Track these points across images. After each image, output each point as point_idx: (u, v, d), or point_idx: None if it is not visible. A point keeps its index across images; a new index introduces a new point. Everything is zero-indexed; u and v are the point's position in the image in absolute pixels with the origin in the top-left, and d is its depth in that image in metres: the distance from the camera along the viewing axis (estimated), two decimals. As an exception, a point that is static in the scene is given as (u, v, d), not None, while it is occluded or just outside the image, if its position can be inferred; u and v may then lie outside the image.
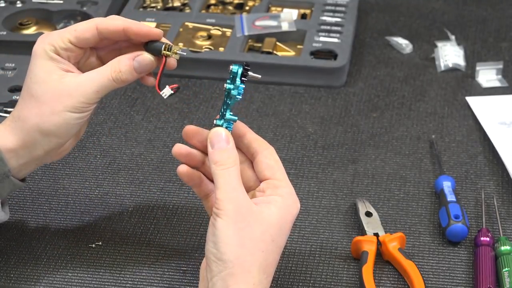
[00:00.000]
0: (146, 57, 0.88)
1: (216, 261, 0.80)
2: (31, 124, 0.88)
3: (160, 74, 0.88)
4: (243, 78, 0.86)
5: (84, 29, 0.88)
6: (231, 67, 0.85)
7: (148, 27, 0.88)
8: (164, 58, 0.88)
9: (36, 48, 0.89)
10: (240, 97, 0.86)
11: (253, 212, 0.82)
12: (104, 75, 0.87)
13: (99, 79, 0.87)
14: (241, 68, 0.86)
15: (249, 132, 0.88)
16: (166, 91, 0.88)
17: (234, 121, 0.86)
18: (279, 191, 0.84)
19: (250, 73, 0.86)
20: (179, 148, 0.89)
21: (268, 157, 0.86)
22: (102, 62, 0.91)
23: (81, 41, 0.88)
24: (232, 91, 0.86)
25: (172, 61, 0.88)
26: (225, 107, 0.86)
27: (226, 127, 0.86)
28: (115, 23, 0.88)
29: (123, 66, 0.87)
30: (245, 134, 0.88)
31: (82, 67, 0.91)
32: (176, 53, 0.88)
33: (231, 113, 0.86)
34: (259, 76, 0.87)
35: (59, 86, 0.87)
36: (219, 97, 1.22)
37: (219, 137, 0.84)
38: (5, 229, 0.99)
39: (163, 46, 0.88)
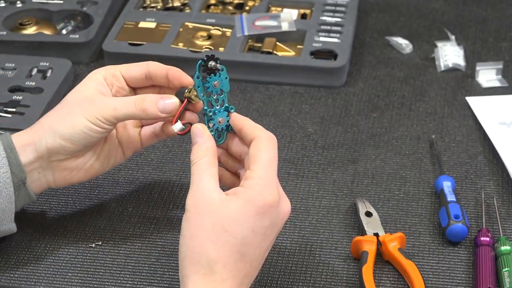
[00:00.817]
0: (171, 97, 0.91)
1: (178, 254, 0.83)
2: (46, 119, 0.93)
3: (179, 112, 0.91)
4: (209, 69, 0.89)
5: (136, 64, 0.95)
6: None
7: (184, 74, 0.93)
8: (186, 99, 0.91)
9: (92, 72, 0.95)
10: (210, 90, 0.89)
11: (209, 204, 0.82)
12: (129, 99, 0.92)
13: (123, 100, 0.92)
14: (200, 61, 0.89)
15: (246, 124, 0.89)
16: (177, 125, 0.91)
17: (205, 113, 0.89)
18: (246, 182, 0.84)
19: (209, 63, 0.89)
20: None
21: (253, 145, 0.87)
22: None
23: (130, 73, 0.95)
24: (194, 86, 0.90)
25: (199, 105, 0.92)
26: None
27: (209, 120, 0.89)
28: (163, 66, 0.94)
29: (149, 96, 0.91)
30: (242, 127, 0.89)
31: None
32: (196, 96, 0.91)
33: (206, 108, 0.90)
34: (221, 66, 0.89)
35: (89, 97, 0.92)
36: (219, 97, 1.22)
37: (194, 134, 0.88)
38: (5, 229, 0.99)
39: (187, 89, 0.91)
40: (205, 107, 0.90)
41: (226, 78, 0.90)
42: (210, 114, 0.89)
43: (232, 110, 0.90)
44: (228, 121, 0.90)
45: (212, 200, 0.83)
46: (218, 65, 0.89)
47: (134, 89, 0.96)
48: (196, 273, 0.81)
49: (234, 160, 0.92)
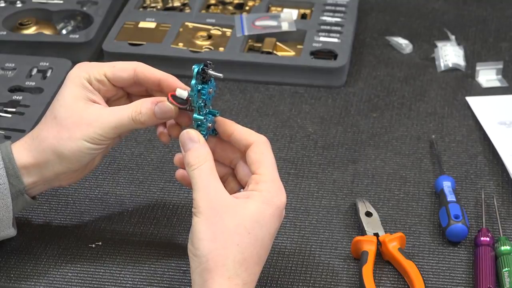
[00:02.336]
0: (167, 104, 0.89)
1: (193, 257, 0.82)
2: (47, 144, 0.90)
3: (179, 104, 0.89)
4: (208, 77, 0.87)
5: (122, 68, 0.92)
6: (193, 67, 0.87)
7: (179, 82, 0.91)
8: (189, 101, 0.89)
9: (71, 73, 0.92)
10: (205, 97, 0.87)
11: (227, 206, 0.82)
12: (125, 113, 0.89)
13: (119, 116, 0.89)
14: (197, 68, 0.87)
15: (236, 129, 0.88)
16: (184, 92, 0.88)
17: (200, 120, 0.88)
18: (258, 186, 0.84)
19: (210, 71, 0.87)
20: (178, 158, 0.91)
21: (254, 150, 0.87)
22: None
23: (116, 78, 0.91)
24: (190, 92, 0.87)
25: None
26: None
27: (199, 126, 0.88)
28: (154, 72, 0.91)
29: (144, 108, 0.89)
30: (232, 132, 0.88)
31: (111, 105, 0.93)
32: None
33: (201, 115, 0.88)
34: (221, 75, 0.87)
35: (82, 114, 0.89)
36: (219, 97, 1.22)
37: (188, 139, 0.86)
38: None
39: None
40: (199, 114, 0.88)
41: (214, 84, 0.89)
42: (204, 119, 0.88)
43: (218, 114, 0.89)
44: (214, 125, 0.90)
45: (229, 202, 0.83)
46: (219, 75, 0.87)
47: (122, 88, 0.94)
48: (222, 276, 0.81)
49: (220, 165, 0.90)
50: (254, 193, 0.84)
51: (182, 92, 0.89)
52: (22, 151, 0.91)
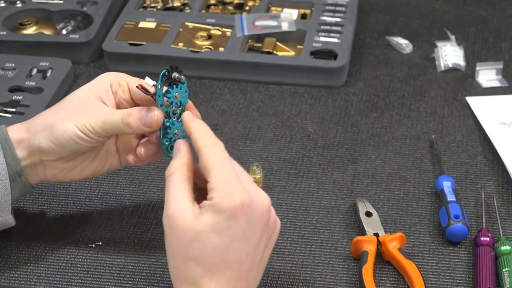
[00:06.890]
0: (153, 110, 0.89)
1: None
2: (42, 118, 0.93)
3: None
4: (172, 80, 0.88)
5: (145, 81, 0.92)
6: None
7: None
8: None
9: (103, 74, 0.94)
10: (171, 100, 0.88)
11: (183, 222, 0.81)
12: (117, 111, 0.91)
13: (111, 112, 0.91)
14: (164, 71, 0.88)
15: (193, 134, 0.86)
16: (149, 80, 0.89)
17: (162, 123, 0.89)
18: (209, 194, 0.82)
19: (173, 74, 0.88)
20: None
21: (202, 157, 0.84)
22: None
23: (137, 89, 0.92)
24: (156, 88, 0.88)
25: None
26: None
27: (164, 130, 0.89)
28: None
29: (134, 110, 0.90)
30: (190, 133, 0.86)
31: None
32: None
33: (164, 118, 0.89)
34: (182, 77, 0.88)
35: (85, 103, 0.91)
36: (219, 97, 1.23)
37: (174, 149, 0.87)
38: (5, 229, 0.99)
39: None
40: (167, 119, 0.89)
41: (186, 92, 0.89)
42: (168, 124, 0.89)
43: None
44: (183, 136, 0.89)
45: (185, 217, 0.81)
46: (181, 76, 0.88)
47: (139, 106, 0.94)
48: None
49: None
50: (206, 203, 0.81)
51: (150, 80, 0.89)
52: (17, 128, 0.93)
